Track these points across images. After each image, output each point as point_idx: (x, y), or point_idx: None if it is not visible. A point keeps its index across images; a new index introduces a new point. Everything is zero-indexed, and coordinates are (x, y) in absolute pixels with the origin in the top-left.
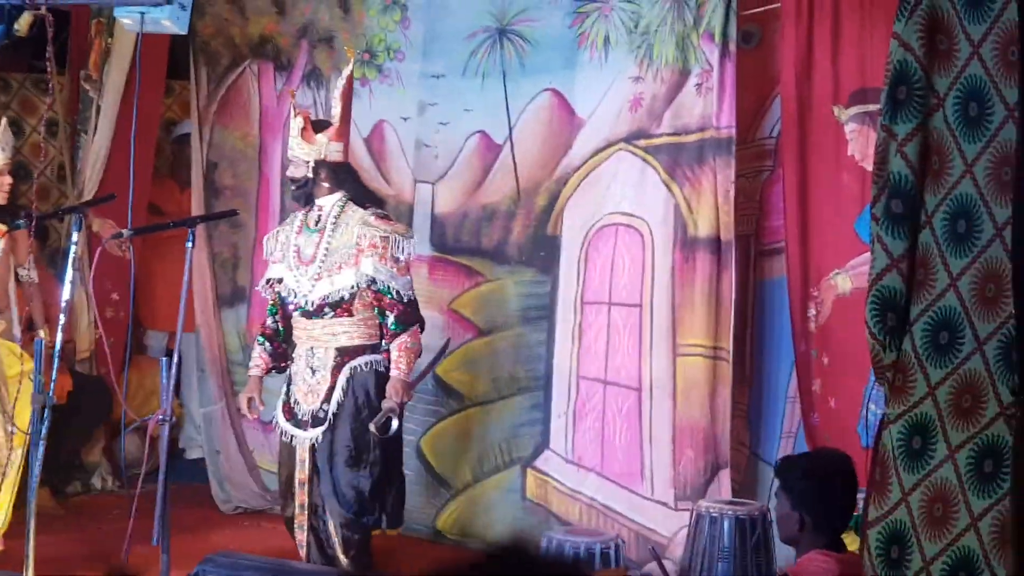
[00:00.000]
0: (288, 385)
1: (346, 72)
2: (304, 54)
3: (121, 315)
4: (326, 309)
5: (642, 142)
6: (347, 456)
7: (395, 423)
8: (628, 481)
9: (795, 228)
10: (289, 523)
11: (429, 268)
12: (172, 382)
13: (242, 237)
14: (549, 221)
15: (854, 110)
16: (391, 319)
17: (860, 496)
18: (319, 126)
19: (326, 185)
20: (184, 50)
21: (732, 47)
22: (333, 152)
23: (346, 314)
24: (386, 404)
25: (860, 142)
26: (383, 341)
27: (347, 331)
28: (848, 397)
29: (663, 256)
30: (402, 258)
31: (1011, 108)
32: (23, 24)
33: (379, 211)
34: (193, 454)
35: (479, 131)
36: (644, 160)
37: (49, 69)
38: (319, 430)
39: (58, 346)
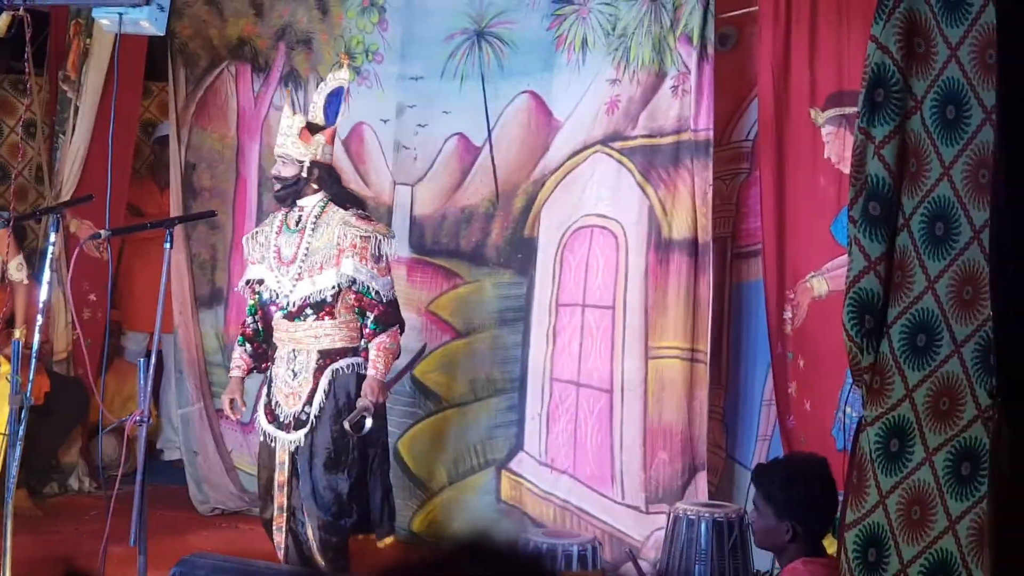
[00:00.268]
0: (268, 387)
1: (340, 75)
2: (282, 56)
3: (99, 316)
4: (308, 311)
5: (618, 144)
6: (326, 458)
7: (369, 422)
8: (599, 484)
9: (771, 230)
10: (267, 525)
11: (408, 270)
12: (150, 383)
13: (220, 238)
14: (526, 223)
15: (831, 113)
16: (371, 319)
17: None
18: (314, 128)
19: (314, 186)
20: (162, 51)
21: (710, 49)
22: (326, 154)
23: (328, 316)
24: (361, 403)
25: (837, 145)
26: (363, 341)
27: (329, 333)
28: (824, 400)
29: (637, 258)
30: (383, 258)
31: (989, 111)
32: (1, 25)
33: (360, 211)
34: (171, 455)
35: (457, 133)
36: (619, 162)
37: (27, 70)
38: (301, 433)
39: (35, 347)
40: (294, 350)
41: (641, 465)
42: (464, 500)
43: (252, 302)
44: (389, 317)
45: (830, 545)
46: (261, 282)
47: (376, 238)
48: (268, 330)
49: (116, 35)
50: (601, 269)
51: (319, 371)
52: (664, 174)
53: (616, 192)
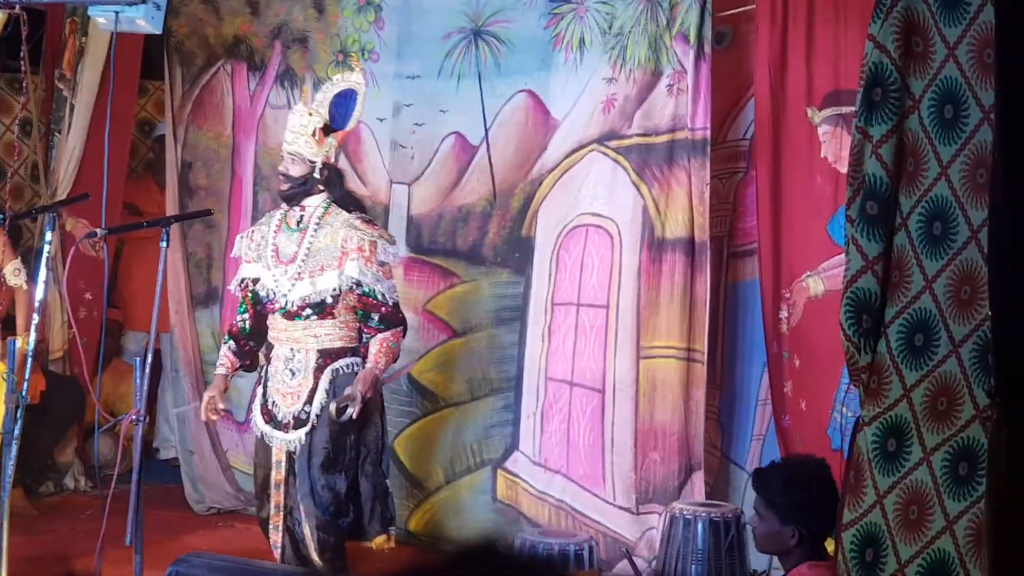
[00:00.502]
0: (264, 386)
1: (352, 78)
2: (278, 54)
3: (95, 315)
4: (308, 310)
5: (614, 143)
6: (324, 458)
7: (350, 411)
8: (591, 484)
9: (767, 230)
10: (264, 524)
11: (405, 269)
12: (146, 383)
13: (215, 237)
14: (524, 222)
15: (828, 112)
16: (376, 318)
17: None
18: (327, 128)
19: (321, 186)
20: (158, 50)
21: (707, 48)
22: (337, 154)
23: (329, 317)
24: (349, 390)
25: (833, 144)
26: (365, 336)
27: (329, 333)
28: (820, 399)
29: (630, 257)
30: (387, 263)
31: (987, 110)
32: None
33: (364, 215)
34: (167, 454)
35: (454, 132)
36: (615, 161)
37: (23, 68)
38: (301, 432)
39: (31, 346)
40: (292, 349)
41: (632, 466)
42: (460, 500)
43: (243, 299)
44: (394, 318)
45: (830, 546)
46: (256, 281)
47: (381, 243)
48: (257, 328)
49: (112, 33)
50: (596, 268)
51: (319, 370)
52: (658, 173)
53: (611, 191)
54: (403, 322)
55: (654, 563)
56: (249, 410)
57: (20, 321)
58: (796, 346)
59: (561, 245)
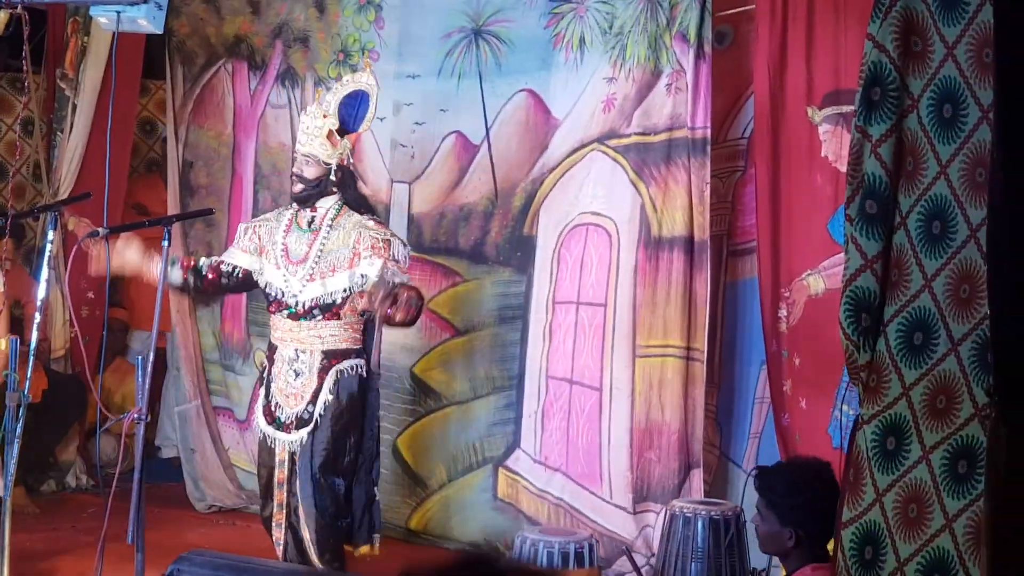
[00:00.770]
0: (267, 388)
1: (363, 79)
2: (279, 54)
3: (97, 313)
4: (315, 311)
5: (613, 142)
6: (325, 458)
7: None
8: (589, 483)
9: (767, 228)
10: (267, 522)
11: (407, 268)
12: (148, 381)
13: (216, 236)
14: (525, 221)
15: (828, 111)
16: None
17: None
18: (341, 130)
19: (334, 188)
20: (160, 49)
21: (707, 48)
22: (350, 156)
23: (335, 318)
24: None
25: (834, 143)
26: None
27: (334, 334)
28: (819, 398)
29: (628, 255)
30: (399, 262)
31: (986, 109)
32: None
33: (375, 217)
34: (168, 453)
35: (455, 131)
36: (615, 160)
37: (25, 68)
38: (304, 432)
39: (33, 344)
40: (297, 350)
41: (628, 465)
42: (462, 498)
43: (208, 264)
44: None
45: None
46: (234, 268)
47: (393, 242)
48: (213, 279)
49: (114, 33)
50: (595, 267)
51: (324, 371)
52: (656, 172)
53: (610, 190)
54: (422, 298)
55: (653, 561)
56: (251, 410)
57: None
58: (796, 345)
59: (562, 244)
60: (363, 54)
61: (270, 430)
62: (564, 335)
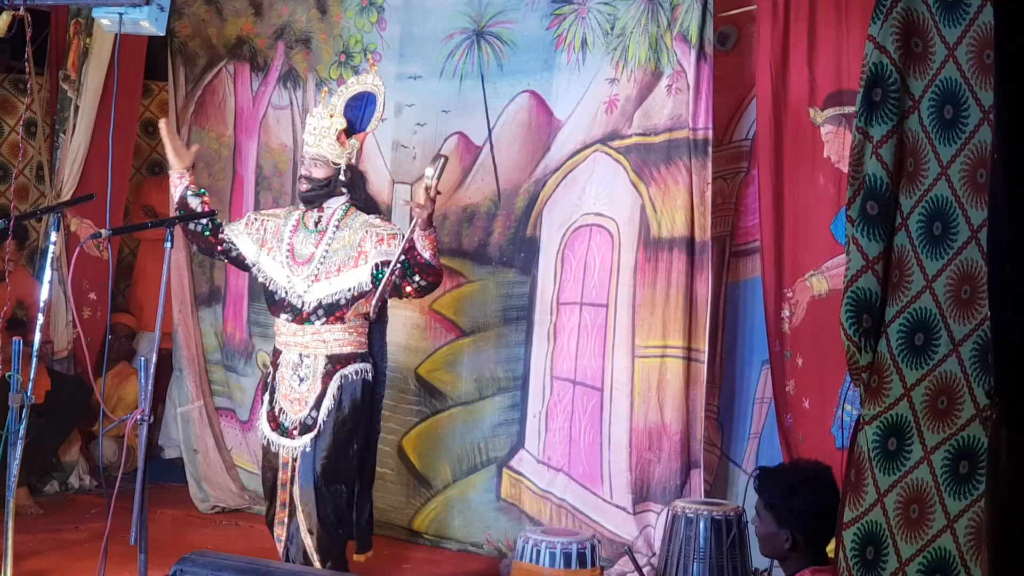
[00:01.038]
0: (271, 394)
1: (369, 80)
2: (280, 55)
3: (98, 315)
4: (319, 313)
5: (616, 143)
6: (326, 466)
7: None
8: (590, 483)
9: (769, 229)
10: (270, 520)
11: None
12: (151, 383)
13: None
14: (528, 222)
15: (830, 112)
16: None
17: None
18: (348, 131)
19: (343, 189)
20: (162, 51)
21: (709, 49)
22: (359, 155)
23: (339, 321)
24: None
25: (836, 144)
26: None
27: (338, 338)
28: (822, 398)
29: (628, 256)
30: None
31: (986, 111)
32: (1, 24)
33: (383, 216)
34: (171, 453)
35: (457, 132)
36: (617, 161)
37: (28, 69)
38: (308, 437)
39: (36, 345)
40: (301, 355)
41: (627, 466)
42: (466, 498)
43: (229, 237)
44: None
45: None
46: (232, 247)
47: (401, 235)
48: (213, 240)
49: (116, 35)
50: (598, 267)
51: (328, 376)
52: (656, 172)
53: (612, 190)
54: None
55: (654, 561)
56: (253, 412)
57: None
58: (799, 345)
59: (566, 245)
60: (365, 55)
61: (274, 436)
62: (568, 336)
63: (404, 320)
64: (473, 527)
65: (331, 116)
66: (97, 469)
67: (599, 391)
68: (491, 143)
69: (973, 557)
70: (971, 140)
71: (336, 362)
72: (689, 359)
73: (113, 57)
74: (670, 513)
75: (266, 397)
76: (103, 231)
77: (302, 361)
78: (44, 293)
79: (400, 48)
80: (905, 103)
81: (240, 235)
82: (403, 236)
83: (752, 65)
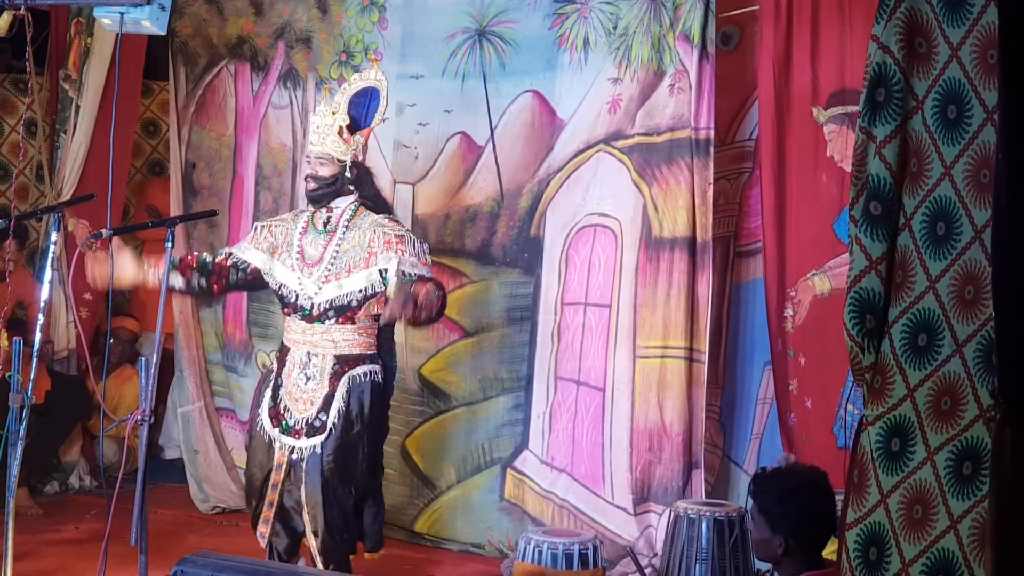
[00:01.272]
0: (275, 391)
1: (371, 76)
2: (280, 55)
3: (96, 315)
4: (330, 313)
5: (619, 143)
6: (334, 469)
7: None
8: (591, 483)
9: (772, 228)
10: (255, 518)
11: None
12: (151, 383)
13: (217, 237)
14: (532, 222)
15: (833, 111)
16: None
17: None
18: (352, 127)
19: (350, 187)
20: (162, 50)
21: (711, 48)
22: (364, 151)
23: (349, 322)
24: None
25: (839, 143)
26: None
27: (348, 339)
28: (825, 397)
29: (630, 256)
30: (419, 256)
31: (990, 111)
32: (2, 24)
33: (392, 216)
34: (171, 454)
35: (460, 132)
36: (620, 161)
37: (28, 69)
38: (316, 440)
39: (36, 345)
40: (309, 354)
41: (628, 466)
42: (470, 499)
43: (212, 260)
44: (438, 286)
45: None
46: (245, 264)
47: (410, 238)
48: (211, 276)
49: (117, 34)
50: (601, 268)
51: (335, 377)
52: (658, 172)
53: (616, 190)
54: (444, 293)
55: (655, 561)
56: (252, 410)
57: None
58: (801, 344)
59: (570, 245)
60: (366, 55)
61: (275, 433)
62: (572, 336)
63: None
64: (475, 528)
65: (333, 113)
66: (97, 469)
67: (601, 391)
68: (494, 143)
69: (977, 558)
70: (975, 140)
71: (344, 363)
72: (690, 359)
73: (114, 57)
74: (672, 514)
75: (267, 392)
76: (103, 231)
77: (310, 360)
78: (44, 293)
79: (402, 47)
80: (909, 103)
81: (247, 250)
82: (411, 239)
83: (755, 65)
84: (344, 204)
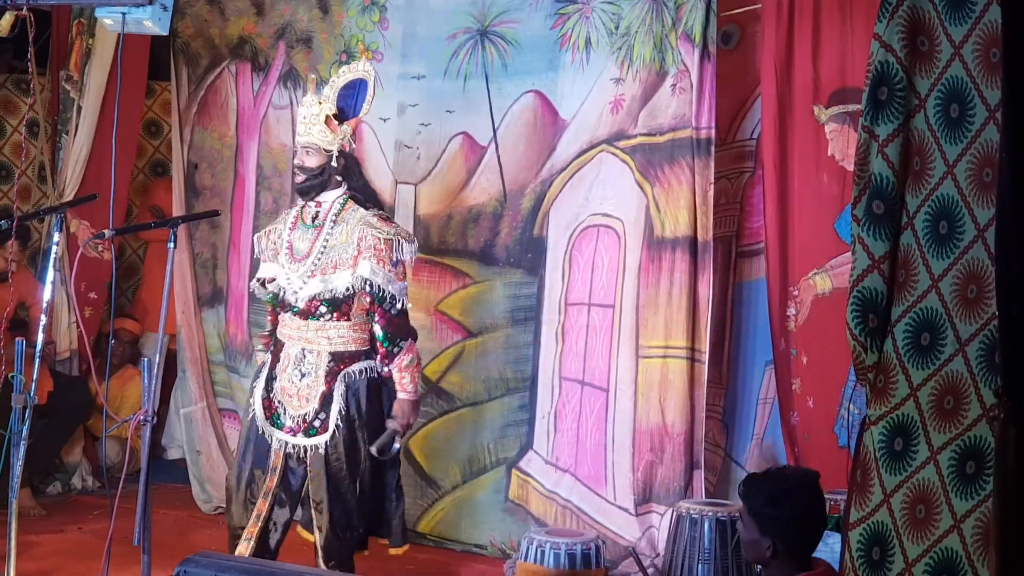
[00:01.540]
0: (268, 382)
1: (360, 67)
2: (281, 55)
3: (101, 315)
4: (322, 308)
5: (622, 143)
6: (339, 468)
7: (397, 444)
8: (594, 484)
9: (774, 227)
10: (235, 531)
11: (413, 269)
12: (154, 384)
13: (220, 237)
14: (535, 223)
15: (834, 110)
16: (379, 330)
17: (840, 498)
18: (339, 117)
19: (338, 178)
20: (164, 51)
21: (712, 48)
22: (352, 143)
23: (344, 318)
24: (392, 424)
25: (840, 142)
26: (378, 359)
27: (342, 336)
28: (827, 396)
29: (633, 256)
30: (403, 263)
31: (992, 109)
32: (4, 24)
33: (381, 212)
34: (174, 454)
35: (462, 132)
36: (623, 161)
37: (30, 69)
38: (321, 439)
39: (39, 346)
40: (304, 350)
41: (630, 467)
42: (474, 499)
43: (268, 299)
44: (399, 330)
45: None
46: (274, 280)
47: (397, 241)
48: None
49: (119, 35)
50: (605, 268)
51: (331, 375)
52: (660, 172)
53: (619, 191)
54: (411, 333)
55: (657, 561)
56: (247, 403)
57: None
58: (804, 343)
59: (573, 245)
60: (367, 55)
61: (267, 426)
62: (576, 336)
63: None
64: (478, 528)
65: (320, 103)
66: (100, 470)
67: (604, 392)
68: (496, 143)
69: (980, 557)
70: (977, 139)
71: (340, 360)
72: (692, 359)
73: (116, 57)
74: (674, 514)
75: (259, 384)
76: (106, 232)
77: (304, 356)
78: (47, 294)
79: (403, 48)
80: (911, 102)
81: (267, 268)
82: (397, 242)
83: (756, 64)
84: (332, 198)
